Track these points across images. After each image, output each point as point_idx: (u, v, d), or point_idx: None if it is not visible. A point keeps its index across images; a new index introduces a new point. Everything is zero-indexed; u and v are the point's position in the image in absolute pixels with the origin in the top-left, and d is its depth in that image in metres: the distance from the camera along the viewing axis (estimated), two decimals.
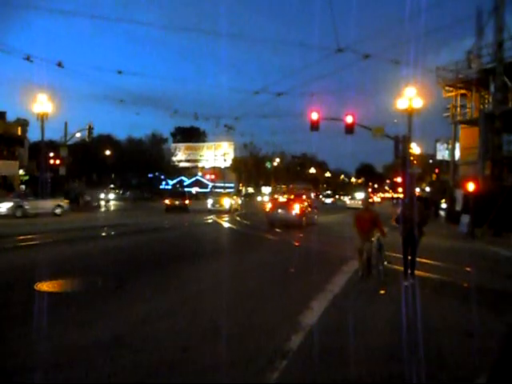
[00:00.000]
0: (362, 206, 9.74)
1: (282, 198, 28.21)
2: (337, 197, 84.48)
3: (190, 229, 21.39)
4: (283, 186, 44.44)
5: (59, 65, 22.28)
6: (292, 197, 30.71)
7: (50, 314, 5.95)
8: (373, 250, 8.93)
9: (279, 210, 21.51)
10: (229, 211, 33.78)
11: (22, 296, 6.95)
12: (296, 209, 21.20)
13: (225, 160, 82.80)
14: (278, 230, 19.51)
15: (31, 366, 4.35)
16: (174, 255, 12.05)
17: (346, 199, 60.44)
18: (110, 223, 22.19)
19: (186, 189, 74.86)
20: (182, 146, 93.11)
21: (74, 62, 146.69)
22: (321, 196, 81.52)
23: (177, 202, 35.38)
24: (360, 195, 51.01)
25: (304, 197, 34.46)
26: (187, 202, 36.24)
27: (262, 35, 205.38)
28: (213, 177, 77.70)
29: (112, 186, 66.74)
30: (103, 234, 17.35)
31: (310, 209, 23.45)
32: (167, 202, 35.50)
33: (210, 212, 32.19)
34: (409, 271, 8.70)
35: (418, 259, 9.51)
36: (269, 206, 23.22)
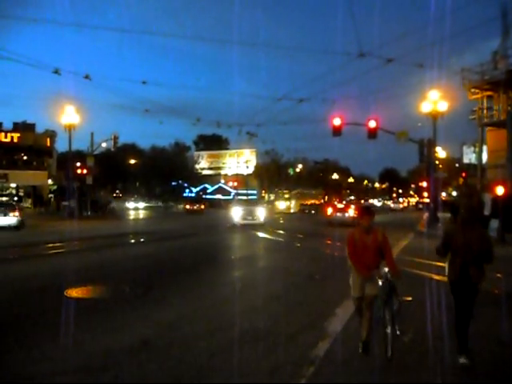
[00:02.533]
0: (361, 223, 5.40)
1: (340, 205, 34.27)
2: (362, 201, 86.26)
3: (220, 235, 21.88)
4: (285, 191, 44.08)
5: (86, 77, 22.88)
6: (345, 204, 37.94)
7: (79, 319, 6.11)
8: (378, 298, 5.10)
9: (338, 214, 28.81)
10: (263, 225, 26.37)
11: (52, 302, 7.14)
12: (350, 213, 28.04)
13: (247, 167, 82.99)
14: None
15: (63, 370, 4.47)
16: (200, 261, 12.19)
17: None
18: (138, 230, 22.63)
19: (209, 196, 78.18)
20: (204, 153, 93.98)
21: (100, 75, 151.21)
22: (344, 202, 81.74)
23: (195, 207, 46.40)
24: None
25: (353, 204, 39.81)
26: (202, 206, 47.65)
27: (283, 43, 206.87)
28: (235, 184, 78.02)
29: (135, 195, 68.41)
30: (132, 241, 17.71)
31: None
32: (188, 206, 47.13)
33: (237, 227, 25.37)
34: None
35: (443, 264, 9.36)
36: (329, 210, 30.58)
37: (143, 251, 14.74)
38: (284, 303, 7.33)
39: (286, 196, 48.96)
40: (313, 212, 49.54)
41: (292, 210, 46.13)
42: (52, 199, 45.73)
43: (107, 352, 4.94)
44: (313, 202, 58.38)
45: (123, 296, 7.77)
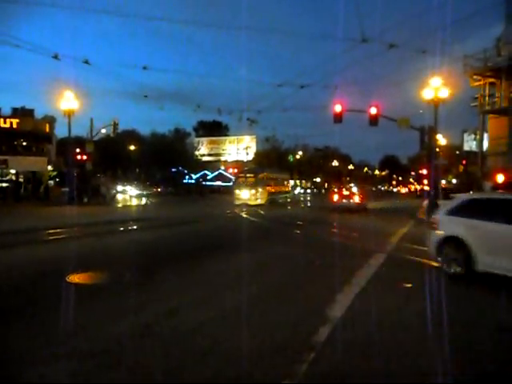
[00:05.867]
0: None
1: (345, 192, 34.67)
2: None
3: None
4: (249, 175, 36.41)
5: (86, 62, 22.69)
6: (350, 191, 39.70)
7: (81, 304, 6.15)
8: None
9: (343, 200, 29.60)
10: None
11: (54, 288, 7.16)
12: (356, 199, 29.54)
13: (247, 154, 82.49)
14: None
15: (66, 353, 4.51)
16: (201, 248, 12.13)
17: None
18: (139, 217, 22.67)
19: (209, 183, 79.56)
20: (204, 140, 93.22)
21: (100, 60, 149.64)
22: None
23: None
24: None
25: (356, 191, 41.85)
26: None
27: (285, 28, 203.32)
28: (235, 170, 77.96)
29: (135, 181, 68.37)
30: (133, 228, 17.74)
31: (363, 199, 31.10)
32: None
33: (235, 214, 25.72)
34: None
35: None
36: (335, 197, 31.05)
37: (144, 237, 14.72)
38: (284, 289, 7.34)
39: (251, 180, 36.85)
40: (288, 207, 37.23)
41: (259, 201, 35.87)
42: (51, 185, 45.65)
43: (110, 337, 4.98)
44: (281, 189, 45.80)
45: (124, 282, 7.77)
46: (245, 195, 35.66)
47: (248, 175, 38.30)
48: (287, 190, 48.87)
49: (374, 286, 7.35)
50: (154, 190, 70.86)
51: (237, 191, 36.83)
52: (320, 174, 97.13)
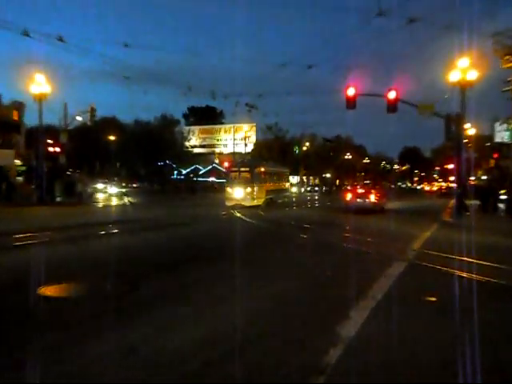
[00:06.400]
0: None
1: (360, 189, 34.54)
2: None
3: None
4: (243, 169, 32.43)
5: (60, 39, 22.64)
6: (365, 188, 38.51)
7: (54, 321, 6.12)
8: None
9: (358, 200, 29.34)
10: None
11: (23, 302, 7.07)
12: (372, 198, 29.09)
13: (245, 145, 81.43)
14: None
15: (41, 379, 4.48)
16: (192, 255, 12.14)
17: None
18: (121, 218, 22.63)
19: (201, 179, 79.70)
20: (196, 129, 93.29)
21: (75, 37, 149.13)
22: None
23: None
24: None
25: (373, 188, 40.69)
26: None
27: None
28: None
29: (116, 177, 67.23)
30: (113, 231, 17.74)
31: (380, 197, 31.03)
32: None
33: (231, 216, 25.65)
34: None
35: (473, 260, 9.47)
36: (349, 196, 30.92)
37: (127, 242, 14.70)
38: (290, 304, 7.32)
39: (246, 176, 34.48)
40: (294, 208, 36.91)
41: (256, 202, 33.86)
42: (20, 182, 45.53)
43: (86, 359, 4.95)
44: (281, 186, 44.22)
45: (104, 294, 7.75)
46: (238, 194, 33.31)
47: (242, 169, 35.94)
48: (285, 187, 46.72)
49: (392, 300, 7.34)
50: (138, 187, 71.05)
51: (228, 189, 34.33)
52: (330, 168, 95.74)
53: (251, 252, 12.51)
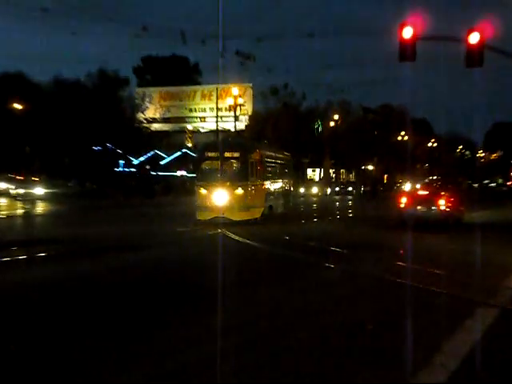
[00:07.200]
0: None
1: (422, 191, 25.99)
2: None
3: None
4: (259, 153, 23.68)
5: None
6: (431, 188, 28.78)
7: None
8: None
9: (419, 207, 21.64)
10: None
11: None
12: (442, 204, 21.22)
13: (236, 118, 47.04)
14: None
15: None
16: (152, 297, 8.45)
17: None
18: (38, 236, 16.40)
19: (163, 172, 56.63)
20: (155, 92, 61.70)
21: None
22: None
23: None
24: None
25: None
26: None
27: None
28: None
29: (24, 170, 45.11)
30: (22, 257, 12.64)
31: (456, 204, 23.02)
32: None
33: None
34: None
35: None
36: (404, 201, 22.54)
37: (48, 275, 10.56)
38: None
39: (233, 166, 22.60)
40: (314, 220, 26.03)
41: (249, 214, 21.65)
42: None
43: None
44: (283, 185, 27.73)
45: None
46: (218, 199, 20.94)
47: (227, 154, 22.52)
48: (289, 186, 29.29)
49: (473, 373, 5.51)
50: (60, 186, 47.63)
51: (202, 191, 21.65)
52: (373, 157, 68.08)
53: (249, 291, 9.03)
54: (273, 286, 9.83)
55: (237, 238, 16.82)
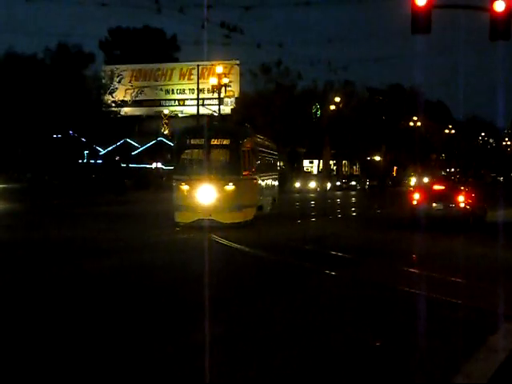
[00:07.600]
0: None
1: (438, 186, 23.56)
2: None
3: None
4: (252, 141, 20.94)
5: None
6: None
7: None
8: None
9: (434, 204, 19.93)
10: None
11: None
12: (461, 201, 19.64)
13: (221, 101, 43.70)
14: None
15: None
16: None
17: None
18: None
19: (134, 164, 51.12)
20: (125, 70, 54.46)
21: None
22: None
23: None
24: None
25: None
26: None
27: None
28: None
29: None
30: None
31: (476, 201, 21.21)
32: None
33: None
34: None
35: None
36: (417, 197, 20.74)
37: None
38: None
39: (222, 155, 19.64)
40: (312, 220, 24.37)
41: (241, 216, 18.67)
42: None
43: None
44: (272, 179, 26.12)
45: None
46: (204, 198, 17.92)
47: (215, 141, 19.42)
48: (275, 180, 26.03)
49: None
50: (14, 180, 44.18)
51: (182, 187, 18.55)
52: (381, 146, 62.02)
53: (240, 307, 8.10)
54: (267, 301, 8.86)
55: (230, 243, 14.92)
